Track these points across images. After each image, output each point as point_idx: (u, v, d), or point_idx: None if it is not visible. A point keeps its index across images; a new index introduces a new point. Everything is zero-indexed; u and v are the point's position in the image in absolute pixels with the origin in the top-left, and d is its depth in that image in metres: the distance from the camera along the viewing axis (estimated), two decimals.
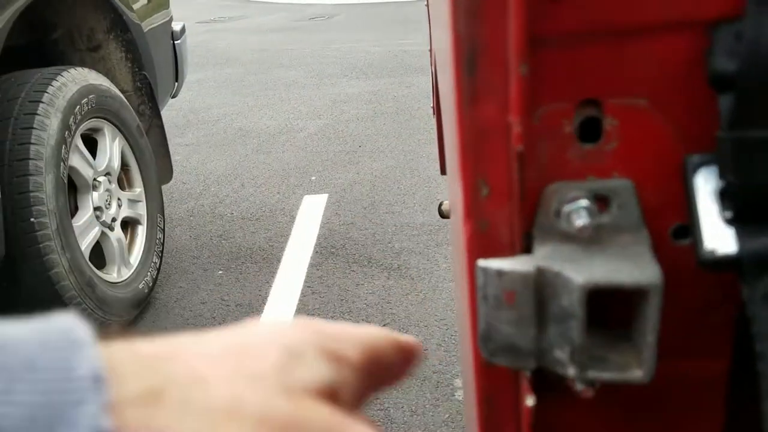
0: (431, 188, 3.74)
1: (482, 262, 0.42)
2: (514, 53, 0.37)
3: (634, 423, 0.48)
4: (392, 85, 5.71)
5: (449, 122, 0.46)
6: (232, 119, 5.22)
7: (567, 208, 0.41)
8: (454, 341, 2.51)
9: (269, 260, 3.19)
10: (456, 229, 0.53)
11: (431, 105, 2.53)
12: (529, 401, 0.45)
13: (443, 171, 2.13)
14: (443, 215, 2.14)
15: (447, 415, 2.16)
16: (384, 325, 2.62)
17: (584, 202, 0.41)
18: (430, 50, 2.25)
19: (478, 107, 0.40)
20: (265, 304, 2.86)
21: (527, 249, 0.43)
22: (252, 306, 2.85)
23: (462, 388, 2.26)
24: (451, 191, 0.64)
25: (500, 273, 0.41)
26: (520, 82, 0.38)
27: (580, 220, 0.40)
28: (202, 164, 4.39)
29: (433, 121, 2.38)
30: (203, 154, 4.56)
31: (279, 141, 4.69)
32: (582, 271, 0.39)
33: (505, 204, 0.43)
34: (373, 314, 2.70)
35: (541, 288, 0.41)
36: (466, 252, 0.44)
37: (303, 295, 2.89)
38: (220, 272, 3.12)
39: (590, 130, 0.41)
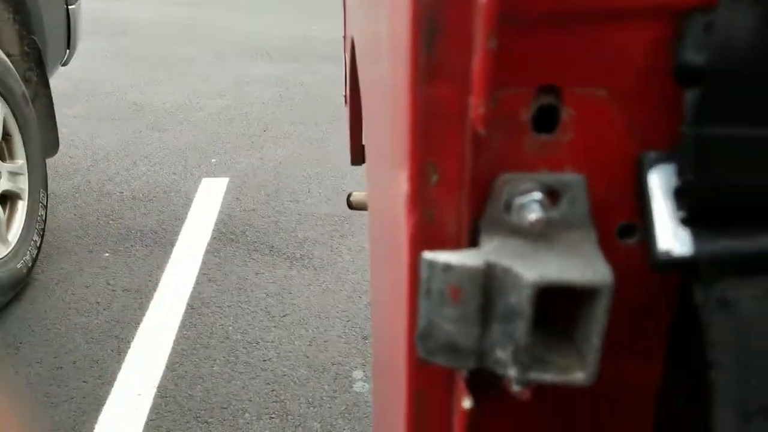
0: (338, 178, 3.73)
1: (428, 255, 0.40)
2: (482, 26, 0.36)
3: (567, 425, 0.48)
4: (299, 70, 5.64)
5: (393, 104, 0.44)
6: (126, 92, 5.01)
7: (519, 200, 0.40)
8: (354, 333, 2.52)
9: (162, 244, 3.08)
10: (385, 221, 0.50)
11: (343, 93, 2.52)
12: (466, 403, 0.43)
13: (354, 161, 2.13)
14: (351, 206, 2.14)
15: (344, 407, 2.16)
16: (284, 316, 2.60)
17: (537, 195, 0.39)
18: (344, 37, 2.24)
19: (434, 86, 0.38)
20: (155, 290, 2.76)
21: (473, 242, 0.42)
22: (141, 292, 2.75)
23: (362, 380, 2.28)
24: (378, 181, 0.62)
25: (447, 267, 0.39)
26: (486, 58, 0.36)
27: (533, 214, 0.39)
28: (92, 138, 4.18)
29: (345, 109, 2.37)
30: (93, 128, 4.34)
31: (176, 119, 4.54)
32: (533, 268, 0.37)
33: (454, 193, 0.41)
34: (272, 304, 2.67)
35: (488, 284, 0.39)
36: (408, 243, 0.42)
37: (198, 282, 2.82)
38: (107, 254, 2.99)
39: (546, 121, 0.40)
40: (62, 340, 2.46)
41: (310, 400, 2.21)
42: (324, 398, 2.21)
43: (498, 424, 0.47)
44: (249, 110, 4.73)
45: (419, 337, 0.41)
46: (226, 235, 3.16)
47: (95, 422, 2.12)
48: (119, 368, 2.34)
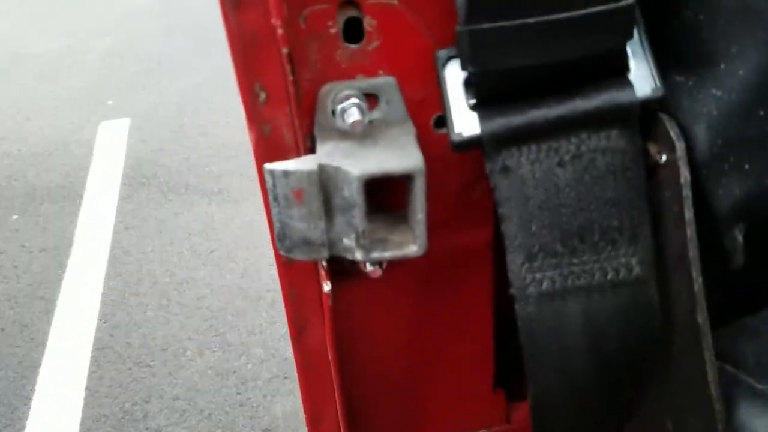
0: None
1: (268, 165, 0.47)
2: None
3: (419, 294, 0.58)
4: None
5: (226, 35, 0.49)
6: (5, 43, 4.79)
7: (340, 106, 0.47)
8: None
9: (71, 198, 3.08)
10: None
11: None
12: (326, 287, 0.52)
13: None
14: None
15: (285, 330, 2.29)
16: (211, 252, 2.69)
17: (355, 100, 0.47)
18: None
19: (243, 12, 0.45)
20: (71, 246, 2.79)
21: (312, 149, 0.49)
22: (58, 249, 2.77)
23: None
24: None
25: (286, 173, 0.47)
26: None
27: (352, 117, 0.47)
28: None
29: None
30: None
31: (64, 65, 4.41)
32: (357, 165, 0.46)
33: (283, 107, 0.48)
34: (197, 243, 2.74)
35: (325, 183, 0.47)
36: (254, 157, 0.50)
37: (116, 231, 2.85)
38: (15, 217, 2.98)
39: (354, 32, 0.47)
40: None
41: (249, 329, 2.33)
42: (263, 325, 2.34)
43: (362, 302, 0.56)
44: (139, 45, 4.62)
45: (277, 238, 0.49)
46: (137, 180, 3.17)
47: (35, 385, 2.19)
48: (50, 328, 2.40)
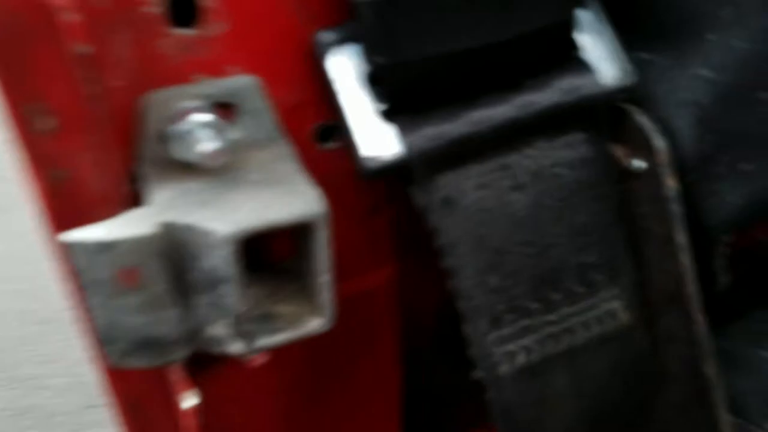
0: None
1: (72, 236, 0.30)
2: None
3: (312, 367, 0.44)
4: None
5: None
6: None
7: (179, 128, 0.31)
8: None
9: None
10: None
11: None
12: (190, 401, 0.36)
13: None
14: None
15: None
16: None
17: (203, 116, 0.31)
18: None
19: None
20: None
21: (136, 198, 0.33)
22: None
23: None
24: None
25: (104, 246, 0.30)
26: None
27: (204, 144, 0.30)
28: None
29: None
30: None
31: None
32: (223, 218, 0.30)
33: (82, 136, 0.31)
34: None
35: (172, 251, 0.31)
36: (50, 222, 0.33)
37: None
38: None
39: (188, 11, 0.32)
40: None
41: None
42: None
43: (238, 394, 0.41)
44: None
45: (104, 343, 0.32)
46: None
47: None
48: None
